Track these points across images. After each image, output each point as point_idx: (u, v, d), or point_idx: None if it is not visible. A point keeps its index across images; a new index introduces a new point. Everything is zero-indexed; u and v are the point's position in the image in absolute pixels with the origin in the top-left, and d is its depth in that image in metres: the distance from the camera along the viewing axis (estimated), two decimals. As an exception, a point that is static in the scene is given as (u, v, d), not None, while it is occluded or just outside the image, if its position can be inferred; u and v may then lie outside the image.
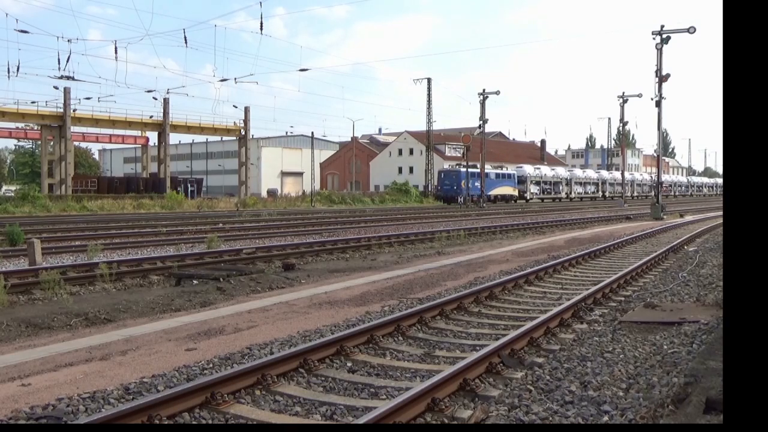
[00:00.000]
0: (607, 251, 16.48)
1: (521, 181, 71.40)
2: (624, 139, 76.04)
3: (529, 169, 75.08)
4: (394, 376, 5.99)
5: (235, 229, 24.04)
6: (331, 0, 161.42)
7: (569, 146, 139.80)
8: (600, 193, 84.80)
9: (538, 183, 75.28)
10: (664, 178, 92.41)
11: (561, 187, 77.81)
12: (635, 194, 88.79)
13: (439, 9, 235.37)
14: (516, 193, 69.12)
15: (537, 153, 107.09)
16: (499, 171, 68.40)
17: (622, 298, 9.89)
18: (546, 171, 78.52)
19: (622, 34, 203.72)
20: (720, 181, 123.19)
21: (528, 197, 71.74)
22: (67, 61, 48.98)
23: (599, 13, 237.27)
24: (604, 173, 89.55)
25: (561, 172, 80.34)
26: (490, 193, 60.93)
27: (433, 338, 7.41)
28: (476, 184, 57.66)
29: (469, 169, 59.74)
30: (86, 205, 42.26)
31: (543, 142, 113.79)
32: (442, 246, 18.36)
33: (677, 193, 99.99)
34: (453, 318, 8.43)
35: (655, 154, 43.52)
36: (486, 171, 58.20)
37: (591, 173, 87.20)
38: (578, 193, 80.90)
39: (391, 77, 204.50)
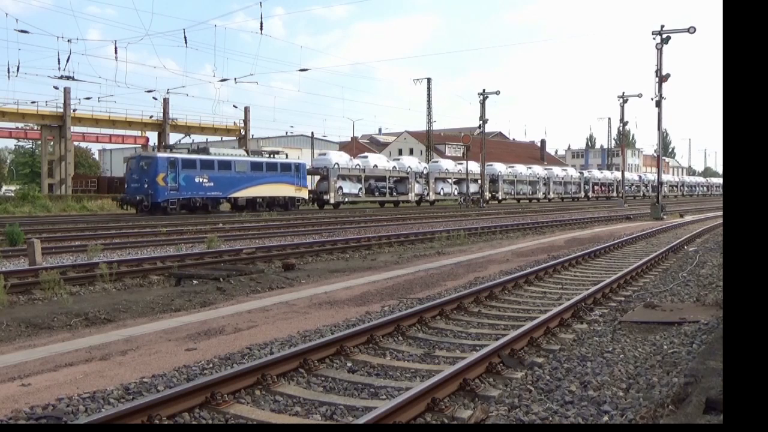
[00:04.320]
0: (607, 251, 16.48)
1: (323, 176, 47.17)
2: (624, 139, 75.97)
3: (337, 158, 49.34)
4: (394, 376, 5.99)
5: (235, 229, 24.03)
6: (331, 0, 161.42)
7: (569, 146, 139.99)
8: (488, 194, 59.98)
9: (360, 179, 49.95)
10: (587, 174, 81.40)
11: (408, 185, 53.61)
12: (552, 195, 72.62)
13: (439, 9, 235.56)
14: (302, 194, 44.16)
15: (537, 153, 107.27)
16: (258, 159, 42.64)
17: (622, 298, 9.88)
18: (377, 161, 53.38)
19: (622, 34, 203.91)
20: (690, 179, 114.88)
21: (332, 200, 46.61)
22: (67, 61, 48.98)
23: (599, 13, 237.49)
24: (499, 166, 65.77)
25: (410, 162, 55.99)
26: (234, 195, 39.53)
27: (433, 338, 7.41)
28: (199, 180, 37.28)
29: (181, 155, 37.77)
30: (86, 205, 42.24)
31: (543, 142, 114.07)
32: (442, 246, 18.35)
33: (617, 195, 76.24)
34: (453, 318, 8.43)
35: (655, 154, 43.53)
36: (225, 157, 39.65)
37: (474, 166, 57.92)
38: (446, 194, 58.38)
39: (391, 77, 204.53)
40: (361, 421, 4.40)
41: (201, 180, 37.48)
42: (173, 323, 8.08)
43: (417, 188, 54.53)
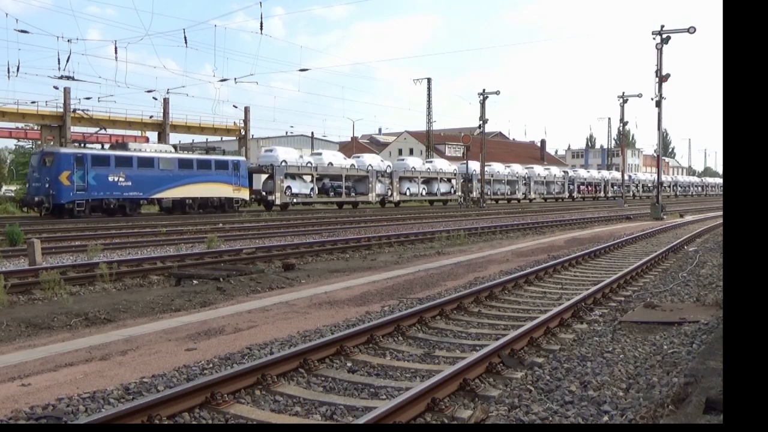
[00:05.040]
0: (607, 251, 16.48)
1: (268, 175, 43.25)
2: (624, 139, 75.94)
3: (285, 154, 44.89)
4: (394, 376, 6.00)
5: (235, 229, 24.04)
6: (331, 0, 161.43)
7: (569, 146, 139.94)
8: (460, 194, 58.02)
9: (312, 178, 45.51)
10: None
11: (368, 185, 49.08)
12: (532, 195, 67.88)
13: (439, 9, 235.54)
14: (242, 194, 39.81)
15: (537, 153, 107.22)
16: (187, 155, 38.73)
17: (622, 298, 9.89)
18: (332, 158, 49.09)
19: (622, 34, 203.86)
20: (682, 179, 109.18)
21: (278, 201, 42.07)
22: (67, 61, 48.72)
23: (599, 13, 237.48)
24: (473, 164, 58.50)
25: (370, 160, 52.52)
26: (158, 195, 35.62)
27: (433, 338, 7.41)
28: (113, 178, 33.27)
29: (90, 151, 33.97)
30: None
31: (543, 142, 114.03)
32: (442, 246, 18.35)
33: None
34: (453, 318, 8.43)
35: (655, 154, 43.54)
36: (146, 154, 35.58)
37: (444, 165, 58.99)
38: (412, 194, 54.14)
39: (391, 77, 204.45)
40: (361, 421, 4.40)
41: (116, 179, 33.44)
42: (173, 323, 8.08)
43: (379, 188, 50.15)
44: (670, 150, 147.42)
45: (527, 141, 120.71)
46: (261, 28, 64.27)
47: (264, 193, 43.01)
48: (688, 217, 33.72)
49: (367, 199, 49.19)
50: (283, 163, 43.36)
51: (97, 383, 5.54)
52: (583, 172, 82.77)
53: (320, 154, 49.89)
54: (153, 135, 63.93)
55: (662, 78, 32.45)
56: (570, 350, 6.76)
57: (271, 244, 17.67)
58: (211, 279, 11.62)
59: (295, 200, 43.74)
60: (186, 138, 74.41)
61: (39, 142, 63.37)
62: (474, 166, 59.65)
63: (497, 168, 65.50)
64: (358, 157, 53.63)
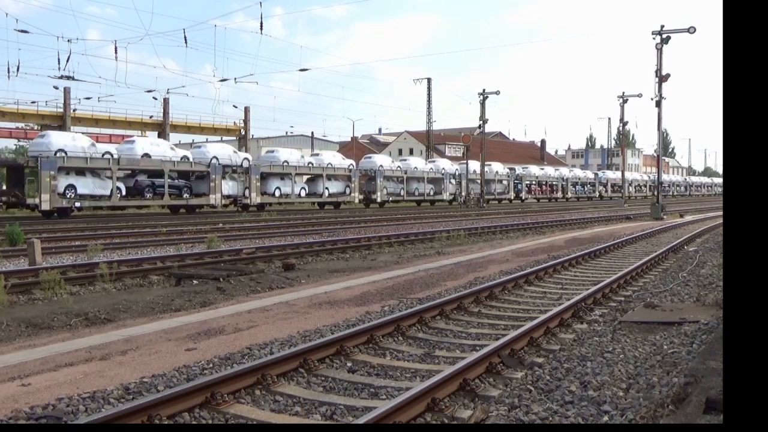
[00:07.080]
0: (607, 251, 16.48)
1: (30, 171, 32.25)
2: (624, 139, 75.95)
3: (62, 142, 33.22)
4: (394, 376, 6.00)
5: (235, 229, 24.03)
6: (331, 0, 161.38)
7: (569, 146, 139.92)
8: (357, 194, 48.05)
9: (113, 174, 33.29)
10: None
11: (210, 183, 37.75)
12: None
13: (439, 9, 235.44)
14: None
15: (537, 153, 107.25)
16: None
17: (622, 298, 9.89)
18: (152, 148, 36.89)
19: (622, 34, 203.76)
20: (663, 178, 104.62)
21: (47, 205, 30.87)
22: (67, 61, 48.69)
23: (599, 13, 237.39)
24: (380, 159, 52.78)
25: (216, 151, 40.93)
26: None
27: (433, 338, 7.41)
28: None
29: None
30: (86, 205, 42.03)
31: (543, 142, 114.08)
32: (442, 246, 18.35)
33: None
34: (453, 318, 8.43)
35: (655, 154, 43.56)
36: None
37: (334, 159, 48.90)
38: (284, 194, 42.67)
39: (391, 77, 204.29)
40: (361, 421, 4.40)
41: None
42: (173, 323, 8.08)
43: (228, 187, 39.31)
44: (670, 150, 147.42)
45: (527, 141, 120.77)
46: (261, 28, 64.32)
47: (20, 195, 31.94)
48: (688, 217, 33.74)
49: (208, 201, 38.22)
50: (60, 154, 31.85)
51: (97, 383, 5.54)
52: (535, 170, 73.22)
53: (132, 142, 38.18)
54: (153, 135, 63.97)
55: (662, 78, 32.46)
56: (570, 350, 6.76)
57: (271, 244, 17.67)
58: (211, 279, 11.62)
59: (78, 204, 32.53)
60: (186, 138, 74.48)
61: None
62: (380, 161, 52.50)
63: (415, 163, 56.48)
64: (199, 147, 42.95)
